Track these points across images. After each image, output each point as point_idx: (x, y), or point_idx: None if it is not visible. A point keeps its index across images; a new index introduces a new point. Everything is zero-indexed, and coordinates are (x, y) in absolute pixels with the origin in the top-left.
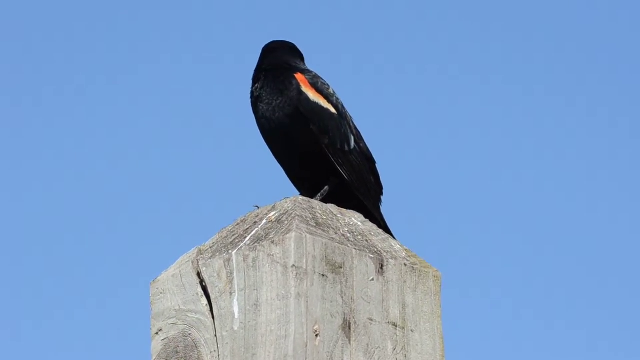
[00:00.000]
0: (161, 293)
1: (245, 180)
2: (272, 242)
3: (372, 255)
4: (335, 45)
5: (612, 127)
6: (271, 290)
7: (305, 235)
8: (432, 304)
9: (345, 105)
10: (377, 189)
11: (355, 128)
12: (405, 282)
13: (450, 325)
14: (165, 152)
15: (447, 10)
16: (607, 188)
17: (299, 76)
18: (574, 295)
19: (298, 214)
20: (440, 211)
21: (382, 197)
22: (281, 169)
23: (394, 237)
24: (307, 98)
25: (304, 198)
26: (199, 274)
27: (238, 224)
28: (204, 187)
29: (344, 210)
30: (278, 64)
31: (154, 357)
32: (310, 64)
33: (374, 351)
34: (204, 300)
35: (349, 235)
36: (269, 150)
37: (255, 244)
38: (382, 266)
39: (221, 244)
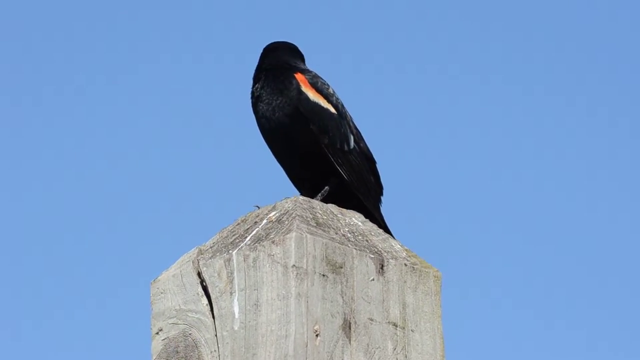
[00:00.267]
0: (162, 293)
1: (245, 180)
2: (273, 242)
3: (372, 255)
4: (335, 45)
5: (612, 127)
6: (271, 290)
7: (306, 235)
8: (433, 303)
9: (345, 105)
10: (377, 189)
11: (355, 128)
12: (405, 282)
13: (450, 325)
14: (165, 152)
15: (447, 10)
16: (607, 188)
17: (298, 76)
18: (574, 295)
19: (298, 214)
20: (441, 211)
21: (383, 197)
22: (281, 169)
23: (394, 237)
24: (307, 98)
25: (305, 198)
26: (199, 274)
27: (238, 224)
28: (205, 187)
29: (344, 210)
30: (278, 63)
31: (154, 357)
32: (310, 63)
33: (374, 351)
34: (205, 300)
35: (349, 235)
36: (269, 150)
37: (256, 244)
38: (382, 266)
39: (222, 243)
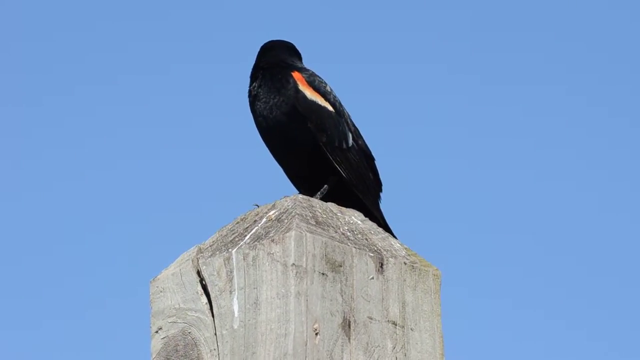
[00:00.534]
0: (161, 291)
1: (245, 179)
2: (272, 240)
3: (372, 254)
4: (333, 42)
5: (612, 127)
6: (271, 289)
7: (305, 234)
8: (432, 302)
9: (343, 103)
10: (376, 186)
11: (353, 125)
12: (405, 280)
13: (449, 323)
14: (164, 151)
15: (447, 9)
16: (607, 188)
17: (296, 74)
18: (574, 294)
19: (298, 212)
20: (440, 209)
21: (382, 195)
22: (280, 167)
23: (393, 235)
24: (305, 96)
25: (304, 197)
26: (198, 273)
27: (238, 222)
28: (204, 186)
29: (343, 208)
30: (275, 62)
31: (153, 356)
32: (308, 61)
33: (374, 350)
34: (204, 299)
35: (349, 233)
36: (268, 149)
37: (255, 243)
38: (381, 265)
39: (221, 242)
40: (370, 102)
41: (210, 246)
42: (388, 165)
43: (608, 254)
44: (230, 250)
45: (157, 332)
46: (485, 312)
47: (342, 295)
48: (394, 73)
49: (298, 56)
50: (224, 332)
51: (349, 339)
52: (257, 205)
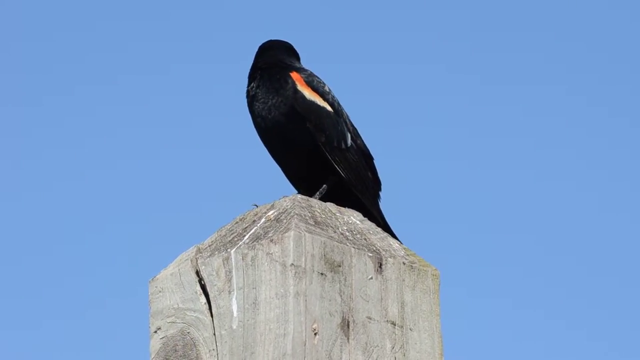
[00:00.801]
0: (160, 291)
1: (244, 179)
2: (271, 240)
3: (370, 254)
4: (334, 42)
5: (612, 127)
6: (270, 289)
7: (304, 234)
8: (431, 302)
9: (341, 103)
10: (375, 186)
11: (352, 125)
12: (404, 280)
13: (448, 323)
14: (164, 151)
15: (447, 9)
16: (607, 188)
17: (294, 75)
18: (574, 294)
19: (297, 212)
20: (439, 209)
21: (381, 194)
22: (279, 167)
23: (393, 234)
24: (303, 96)
25: (303, 197)
26: (197, 273)
27: (237, 222)
28: (203, 186)
29: (342, 208)
30: (274, 62)
31: (152, 356)
32: (308, 61)
33: (373, 350)
34: (203, 299)
35: (347, 234)
36: (266, 149)
37: (254, 243)
38: (380, 265)
39: (220, 242)
40: (369, 102)
41: (209, 246)
42: (387, 165)
43: (608, 253)
44: (229, 250)
45: (156, 332)
46: (484, 312)
47: (341, 295)
48: (393, 73)
49: (296, 56)
50: (222, 332)
51: (348, 339)
52: (256, 205)
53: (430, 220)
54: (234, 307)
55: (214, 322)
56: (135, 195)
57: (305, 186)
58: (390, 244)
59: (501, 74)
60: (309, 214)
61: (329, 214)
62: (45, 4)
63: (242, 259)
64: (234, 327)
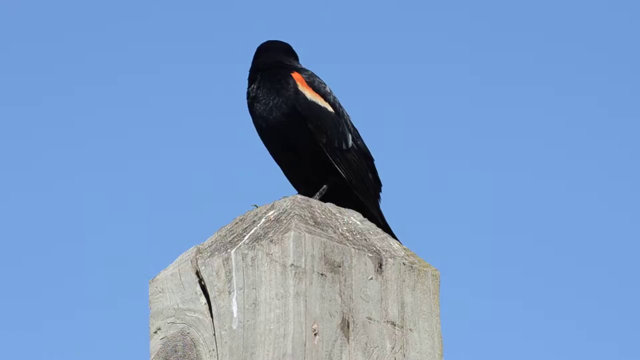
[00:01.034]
0: (160, 292)
1: (244, 180)
2: (271, 241)
3: (370, 254)
4: (331, 41)
5: (612, 127)
6: (270, 289)
7: (304, 234)
8: (431, 303)
9: (342, 103)
10: (375, 187)
11: (353, 126)
12: (404, 281)
13: (448, 324)
14: (163, 151)
15: (447, 9)
16: (608, 188)
17: (295, 75)
18: (574, 294)
19: (297, 213)
20: (439, 210)
21: (382, 195)
22: (279, 168)
23: (394, 235)
24: (304, 97)
25: (303, 197)
26: (197, 273)
27: (237, 223)
28: (203, 187)
29: (342, 209)
30: (274, 63)
31: (152, 356)
32: (308, 62)
33: (373, 350)
34: (203, 299)
35: (347, 234)
36: (267, 149)
37: (254, 243)
38: (380, 265)
39: (220, 243)
40: (369, 102)
41: (209, 247)
42: (387, 166)
43: (608, 254)
44: (229, 250)
45: (156, 332)
46: (484, 312)
47: (341, 296)
48: (392, 73)
49: (295, 57)
50: (222, 332)
51: (348, 339)
52: (255, 205)
53: (431, 221)
54: (234, 308)
55: (214, 322)
56: (135, 196)
57: (305, 187)
58: (390, 245)
59: (501, 74)
60: (309, 214)
61: (329, 215)
62: (45, 3)
63: (242, 260)
64: (234, 327)
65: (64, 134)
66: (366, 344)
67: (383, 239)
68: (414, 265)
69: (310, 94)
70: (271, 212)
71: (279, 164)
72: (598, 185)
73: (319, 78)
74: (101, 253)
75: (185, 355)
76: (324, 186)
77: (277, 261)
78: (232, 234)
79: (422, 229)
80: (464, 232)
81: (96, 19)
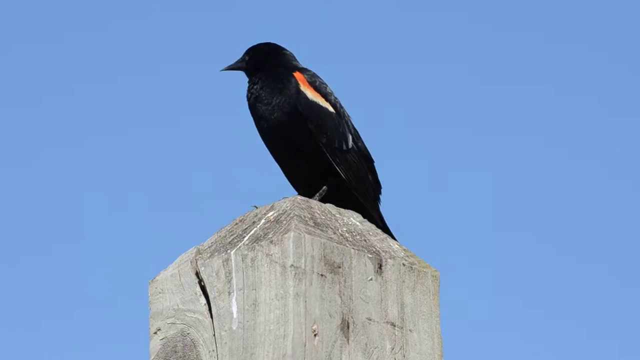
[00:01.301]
0: (160, 292)
1: (243, 180)
2: (271, 242)
3: (370, 255)
4: (332, 42)
5: (612, 127)
6: (270, 290)
7: (304, 235)
8: (431, 303)
9: (343, 105)
10: (375, 188)
11: (354, 127)
12: (403, 281)
13: (448, 325)
14: (163, 152)
15: (446, 9)
16: (608, 188)
17: (297, 75)
18: (573, 294)
19: (296, 213)
20: (439, 211)
21: (381, 197)
22: (279, 168)
23: (393, 237)
24: (306, 97)
25: (303, 198)
26: (197, 274)
27: (237, 223)
28: (203, 187)
29: (342, 210)
30: (275, 63)
31: (152, 357)
32: (308, 62)
33: (373, 351)
34: (203, 300)
35: (347, 235)
36: (267, 150)
37: (254, 244)
38: (380, 266)
39: (220, 243)
40: (368, 102)
41: (209, 247)
42: (386, 166)
43: (608, 254)
44: (229, 251)
45: (155, 333)
46: (484, 313)
47: (340, 297)
48: (392, 74)
49: (294, 57)
50: (222, 333)
51: (348, 340)
52: (255, 206)
53: (430, 222)
54: (234, 309)
55: (214, 323)
56: (135, 196)
57: (305, 187)
58: (390, 245)
59: (501, 74)
60: (308, 215)
61: (329, 215)
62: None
63: (242, 260)
64: (234, 328)
65: (64, 134)
66: (366, 344)
67: (383, 240)
68: (413, 266)
69: (311, 94)
70: (271, 213)
71: (279, 164)
72: (598, 185)
73: (320, 78)
74: (101, 253)
75: (185, 356)
76: (324, 187)
77: (276, 262)
78: (231, 235)
79: (422, 229)
80: (464, 233)
81: (96, 19)
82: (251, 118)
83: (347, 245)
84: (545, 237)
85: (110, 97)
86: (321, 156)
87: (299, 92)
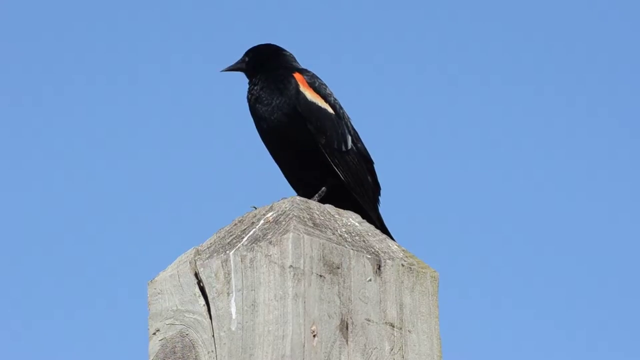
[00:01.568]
0: (159, 293)
1: (242, 181)
2: (270, 242)
3: (369, 256)
4: (332, 44)
5: (611, 127)
6: (269, 291)
7: (303, 236)
8: (430, 304)
9: (343, 106)
10: (374, 190)
11: (353, 129)
12: (402, 282)
13: (447, 325)
14: (163, 152)
15: (446, 9)
16: (606, 188)
17: (297, 76)
18: (572, 295)
19: (295, 214)
20: (438, 211)
21: (381, 198)
22: (279, 169)
23: (392, 238)
24: (305, 97)
25: (302, 198)
26: (196, 275)
27: (236, 224)
28: (202, 188)
29: (341, 210)
30: (276, 64)
31: (151, 358)
32: (308, 62)
33: (371, 352)
34: (202, 301)
35: (346, 235)
36: (267, 150)
37: (253, 245)
38: (379, 267)
39: (219, 244)
40: (368, 102)
41: (208, 248)
42: (385, 167)
43: (607, 254)
44: (228, 252)
45: (154, 334)
46: (483, 314)
47: (339, 297)
48: (392, 74)
49: (293, 58)
50: (221, 334)
51: (347, 340)
52: (254, 207)
53: (429, 222)
54: (233, 309)
55: (213, 324)
56: (134, 197)
57: (304, 188)
58: (389, 246)
59: (501, 74)
60: (307, 215)
61: (328, 216)
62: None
63: (241, 261)
64: (233, 329)
65: (64, 134)
66: (365, 345)
67: (382, 241)
68: (412, 267)
69: (310, 95)
70: (270, 214)
71: (279, 165)
72: (598, 186)
73: (320, 80)
74: (100, 254)
75: (184, 357)
76: (323, 188)
77: (275, 262)
78: (230, 236)
79: (421, 230)
80: (463, 234)
81: (96, 19)
82: (251, 119)
83: (346, 246)
84: (545, 238)
85: (110, 97)
86: (320, 157)
87: (299, 93)
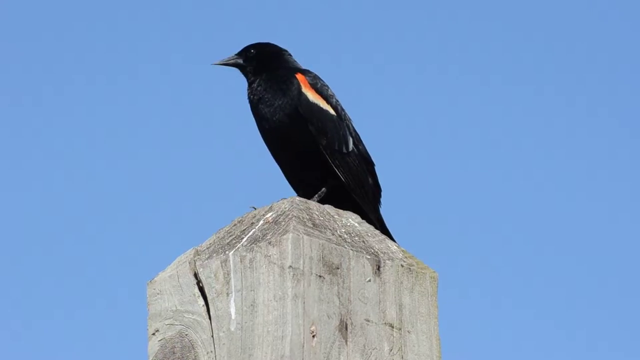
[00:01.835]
0: (158, 294)
1: (242, 181)
2: (269, 243)
3: (369, 256)
4: (335, 45)
5: (611, 127)
6: (268, 291)
7: (302, 236)
8: (429, 304)
9: (345, 107)
10: (375, 191)
11: (355, 130)
12: (402, 283)
13: (446, 326)
14: (162, 152)
15: (446, 10)
16: (606, 188)
17: (299, 76)
18: (572, 295)
19: (295, 214)
20: (438, 212)
21: (381, 199)
22: (279, 169)
23: (392, 238)
24: (307, 98)
25: (301, 199)
26: (195, 275)
27: (235, 224)
28: (202, 188)
29: (341, 211)
30: (277, 65)
31: (150, 358)
32: (308, 63)
33: (371, 352)
34: (201, 301)
35: (346, 236)
36: (268, 151)
37: (252, 245)
38: (378, 267)
39: (218, 244)
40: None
41: (208, 248)
42: (385, 167)
43: (607, 254)
44: (227, 252)
45: (154, 334)
46: (482, 314)
47: (339, 298)
48: (392, 74)
49: (293, 59)
50: (221, 334)
51: (346, 341)
52: (254, 207)
53: (429, 223)
54: (232, 310)
55: (212, 324)
56: (134, 197)
57: (305, 188)
58: (389, 247)
59: (501, 74)
60: (307, 216)
61: (327, 217)
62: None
63: (241, 262)
64: (232, 329)
65: (64, 134)
66: (364, 345)
67: (381, 241)
68: (412, 267)
69: (312, 96)
70: (269, 214)
71: (279, 165)
72: (598, 186)
73: (322, 81)
74: (100, 254)
75: (183, 357)
76: (323, 189)
77: (275, 263)
78: (230, 236)
79: (421, 231)
80: (463, 234)
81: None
82: (251, 119)
83: (346, 246)
84: (544, 238)
85: (110, 97)
86: (321, 158)
87: (301, 94)
